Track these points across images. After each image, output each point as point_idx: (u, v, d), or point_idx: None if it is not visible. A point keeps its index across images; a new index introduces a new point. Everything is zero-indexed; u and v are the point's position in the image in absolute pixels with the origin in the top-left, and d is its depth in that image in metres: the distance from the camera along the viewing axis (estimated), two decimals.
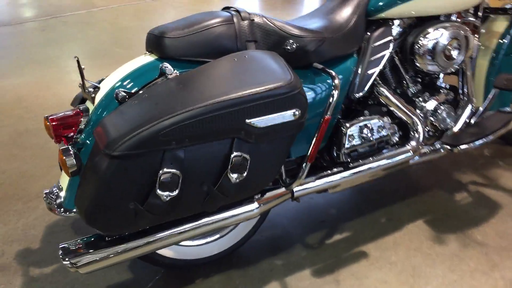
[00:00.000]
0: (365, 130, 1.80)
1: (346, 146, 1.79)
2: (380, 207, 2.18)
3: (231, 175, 1.32)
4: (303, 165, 1.66)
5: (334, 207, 2.19)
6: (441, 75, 2.05)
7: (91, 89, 1.47)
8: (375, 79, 1.84)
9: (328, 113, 1.64)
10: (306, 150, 1.68)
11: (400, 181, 2.36)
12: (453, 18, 2.00)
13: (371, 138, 1.82)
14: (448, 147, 1.96)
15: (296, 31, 1.59)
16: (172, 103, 1.24)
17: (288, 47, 1.57)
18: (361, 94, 1.79)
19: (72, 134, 1.42)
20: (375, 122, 1.82)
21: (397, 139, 1.92)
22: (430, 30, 1.85)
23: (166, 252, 1.70)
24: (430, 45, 1.83)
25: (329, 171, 1.78)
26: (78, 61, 1.41)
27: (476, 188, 2.29)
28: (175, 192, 1.27)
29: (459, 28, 1.88)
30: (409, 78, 1.97)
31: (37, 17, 5.75)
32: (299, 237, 2.00)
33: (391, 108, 1.88)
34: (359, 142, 1.81)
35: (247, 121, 1.29)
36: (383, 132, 1.85)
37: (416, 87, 1.98)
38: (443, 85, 2.05)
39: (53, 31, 5.18)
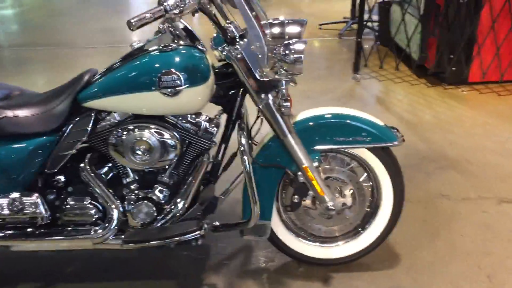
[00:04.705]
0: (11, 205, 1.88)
1: None
2: None
3: None
4: None
5: None
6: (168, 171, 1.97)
7: None
8: (85, 159, 1.91)
9: None
10: None
11: None
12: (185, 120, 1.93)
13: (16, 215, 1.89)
14: (120, 241, 1.92)
15: None
16: None
17: None
18: (52, 171, 1.91)
19: None
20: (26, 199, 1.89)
21: (89, 219, 1.95)
22: (122, 127, 1.86)
23: None
24: (117, 140, 1.87)
25: None
26: None
27: None
28: None
29: (158, 129, 1.85)
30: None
31: None
32: None
33: (94, 189, 1.90)
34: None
35: None
36: (27, 210, 1.89)
37: (132, 177, 1.96)
38: (166, 180, 1.96)
39: None
